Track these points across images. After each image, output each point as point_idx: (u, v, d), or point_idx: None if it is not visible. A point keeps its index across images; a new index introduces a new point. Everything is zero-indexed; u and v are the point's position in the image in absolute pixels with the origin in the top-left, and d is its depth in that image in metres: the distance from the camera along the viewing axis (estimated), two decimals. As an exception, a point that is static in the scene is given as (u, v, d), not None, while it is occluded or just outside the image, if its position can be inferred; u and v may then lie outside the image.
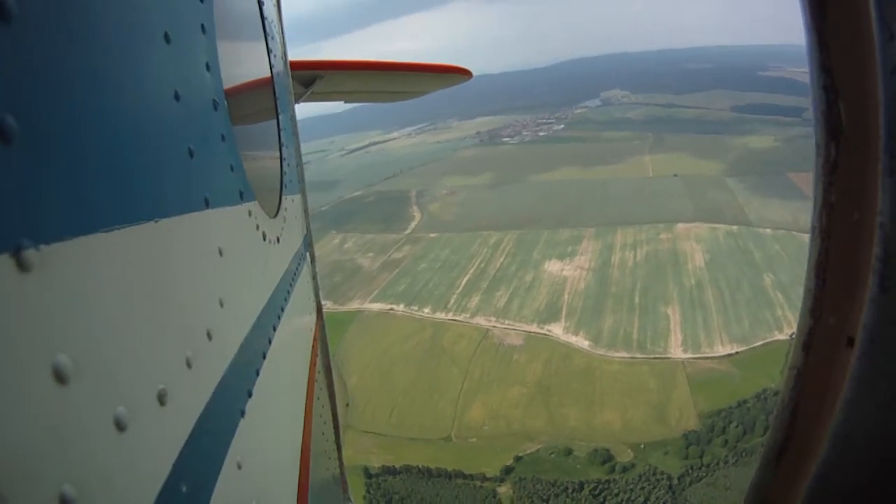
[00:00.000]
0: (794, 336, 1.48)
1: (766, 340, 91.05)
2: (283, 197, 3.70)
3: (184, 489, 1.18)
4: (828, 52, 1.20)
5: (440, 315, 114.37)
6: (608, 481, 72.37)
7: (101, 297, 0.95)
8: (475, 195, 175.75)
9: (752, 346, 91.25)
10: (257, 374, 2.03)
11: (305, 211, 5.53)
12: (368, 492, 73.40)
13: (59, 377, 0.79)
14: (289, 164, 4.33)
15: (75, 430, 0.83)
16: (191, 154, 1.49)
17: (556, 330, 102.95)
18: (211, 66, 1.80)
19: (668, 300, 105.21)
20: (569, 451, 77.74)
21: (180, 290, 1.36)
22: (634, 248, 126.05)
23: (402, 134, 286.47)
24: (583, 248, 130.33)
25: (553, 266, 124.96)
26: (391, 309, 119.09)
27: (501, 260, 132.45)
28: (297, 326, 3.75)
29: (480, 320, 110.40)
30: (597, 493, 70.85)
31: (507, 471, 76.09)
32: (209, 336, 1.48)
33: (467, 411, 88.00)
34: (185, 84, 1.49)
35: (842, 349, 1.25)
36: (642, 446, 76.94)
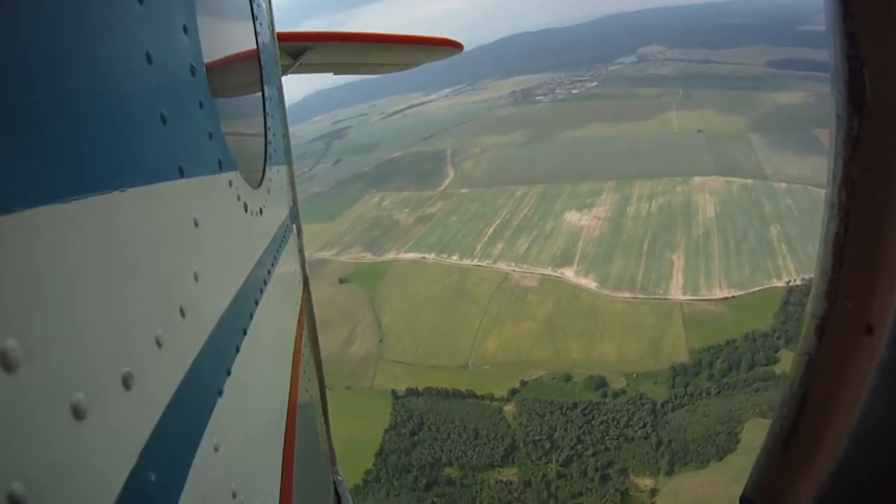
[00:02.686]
0: (807, 319, 1.37)
1: (762, 287, 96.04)
2: (268, 168, 3.56)
3: (153, 477, 1.10)
4: (852, 17, 1.07)
5: (466, 261, 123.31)
6: (598, 403, 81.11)
7: (59, 273, 0.87)
8: (506, 153, 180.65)
9: (748, 290, 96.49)
10: (237, 350, 1.96)
11: (292, 183, 5.35)
12: (394, 409, 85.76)
13: (6, 364, 0.72)
14: (274, 135, 4.20)
15: (25, 421, 0.76)
16: (164, 120, 1.39)
17: (569, 273, 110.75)
18: (189, 29, 1.71)
19: (674, 247, 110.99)
20: (568, 378, 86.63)
21: (149, 263, 1.26)
22: (650, 199, 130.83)
23: (441, 95, 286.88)
24: (601, 200, 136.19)
25: (572, 216, 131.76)
26: (423, 258, 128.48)
27: (525, 211, 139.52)
28: (281, 300, 3.65)
29: (502, 265, 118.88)
30: (587, 412, 79.78)
31: (513, 392, 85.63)
32: (182, 313, 1.39)
33: (483, 343, 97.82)
34: (159, 46, 1.39)
35: (860, 336, 1.15)
36: (634, 375, 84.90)
